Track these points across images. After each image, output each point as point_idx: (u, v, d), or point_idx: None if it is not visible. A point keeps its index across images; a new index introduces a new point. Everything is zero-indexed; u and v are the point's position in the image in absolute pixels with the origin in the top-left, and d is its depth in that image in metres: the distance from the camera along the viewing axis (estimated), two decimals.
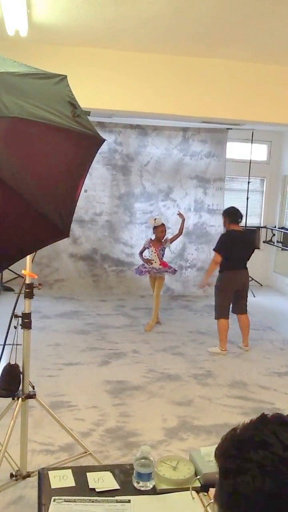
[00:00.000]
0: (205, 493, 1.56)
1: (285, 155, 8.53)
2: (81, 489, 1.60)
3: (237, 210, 5.27)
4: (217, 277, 5.28)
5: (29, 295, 2.50)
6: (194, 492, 1.54)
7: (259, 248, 5.39)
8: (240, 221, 5.25)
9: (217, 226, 7.94)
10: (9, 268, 3.21)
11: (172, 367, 4.74)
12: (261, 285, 8.50)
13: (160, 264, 5.99)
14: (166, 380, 4.43)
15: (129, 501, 1.54)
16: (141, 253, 6.14)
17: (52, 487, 1.61)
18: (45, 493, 1.59)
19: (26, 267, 2.47)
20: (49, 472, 1.69)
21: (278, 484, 0.73)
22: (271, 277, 8.64)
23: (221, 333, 5.20)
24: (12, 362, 2.58)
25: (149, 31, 4.49)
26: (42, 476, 1.68)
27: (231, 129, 7.72)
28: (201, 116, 5.45)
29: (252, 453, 0.76)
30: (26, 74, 1.88)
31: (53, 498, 1.54)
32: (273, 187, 8.73)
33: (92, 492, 1.59)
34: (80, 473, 1.69)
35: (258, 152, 8.48)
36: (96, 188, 7.61)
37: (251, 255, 5.27)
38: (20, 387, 2.56)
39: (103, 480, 1.64)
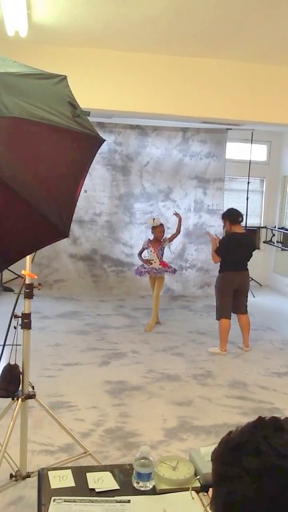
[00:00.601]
0: (205, 493, 1.56)
1: (285, 155, 8.54)
2: (81, 489, 1.60)
3: (236, 210, 5.27)
4: (216, 277, 5.29)
5: (29, 295, 2.50)
6: (194, 492, 1.55)
7: (259, 248, 5.39)
8: (241, 221, 5.25)
9: (217, 226, 7.94)
10: (9, 268, 3.22)
11: (172, 368, 4.74)
12: (261, 285, 8.50)
13: (160, 264, 5.99)
14: (165, 381, 4.43)
15: (128, 501, 1.54)
16: (140, 253, 6.13)
17: (52, 487, 1.61)
18: (45, 493, 1.59)
19: (26, 267, 2.48)
20: (49, 472, 1.69)
21: (268, 492, 0.71)
22: (271, 277, 8.64)
23: (222, 333, 5.21)
24: (12, 362, 2.58)
25: (149, 32, 4.49)
26: (42, 476, 1.68)
27: (230, 129, 7.72)
28: (201, 116, 5.45)
29: (243, 459, 0.74)
30: (26, 74, 1.88)
31: (53, 498, 1.54)
32: (272, 187, 8.73)
33: (92, 492, 1.59)
34: (79, 473, 1.69)
35: (258, 152, 8.49)
36: (96, 189, 7.61)
37: (251, 256, 5.28)
38: (20, 388, 2.56)
39: (102, 480, 1.64)
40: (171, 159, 7.73)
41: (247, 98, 5.32)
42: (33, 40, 4.73)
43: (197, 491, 1.57)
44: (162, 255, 6.07)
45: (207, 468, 1.63)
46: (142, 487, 1.61)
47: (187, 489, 1.56)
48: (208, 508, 1.45)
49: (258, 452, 0.74)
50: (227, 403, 4.03)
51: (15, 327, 2.46)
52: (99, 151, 2.01)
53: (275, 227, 8.62)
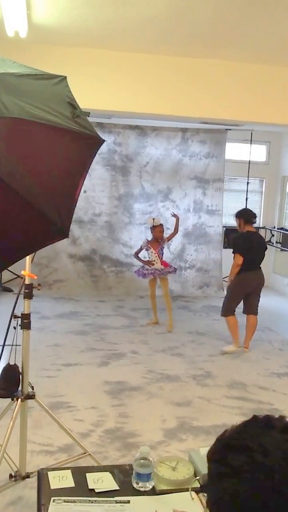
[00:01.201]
0: (205, 494, 1.56)
1: (284, 156, 8.54)
2: (81, 489, 1.60)
3: (251, 210, 5.34)
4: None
5: (29, 296, 2.50)
6: (193, 493, 1.54)
7: (266, 248, 5.43)
8: (255, 222, 5.31)
9: (216, 227, 7.95)
10: (9, 268, 3.21)
11: (171, 368, 4.74)
12: None
13: (161, 264, 6.01)
14: (165, 381, 4.43)
15: (128, 501, 1.54)
16: (137, 253, 6.13)
17: (52, 487, 1.61)
18: (44, 493, 1.59)
19: (25, 267, 2.48)
20: (49, 472, 1.69)
21: (255, 490, 0.71)
22: (270, 277, 8.63)
23: (232, 330, 5.24)
24: (12, 363, 2.58)
25: (148, 32, 4.50)
26: (42, 476, 1.68)
27: (230, 129, 7.72)
28: (200, 116, 5.46)
29: (232, 457, 0.75)
30: (26, 74, 1.88)
31: (52, 498, 1.54)
32: (272, 188, 8.73)
33: (92, 492, 1.59)
34: (79, 473, 1.69)
35: (257, 152, 8.49)
36: (95, 189, 7.62)
37: (264, 255, 5.32)
38: (20, 388, 2.56)
39: (102, 481, 1.64)
40: (170, 160, 7.73)
41: (247, 98, 5.32)
42: (32, 40, 4.73)
43: (197, 491, 1.57)
44: (162, 255, 6.08)
45: (206, 468, 1.63)
46: (141, 487, 1.61)
47: (186, 490, 1.56)
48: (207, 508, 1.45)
49: (246, 450, 0.74)
50: (227, 404, 4.03)
51: (14, 327, 2.46)
52: (98, 152, 2.01)
53: (274, 227, 8.63)
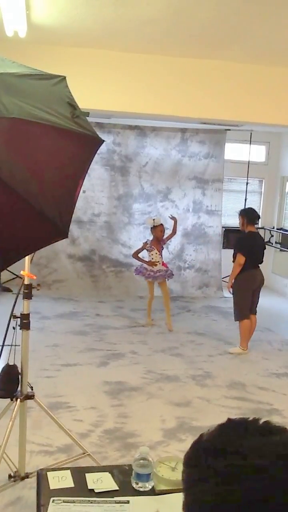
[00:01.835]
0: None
1: (284, 156, 8.55)
2: (80, 489, 1.60)
3: (256, 211, 5.36)
4: (236, 278, 5.23)
5: (28, 296, 2.50)
6: None
7: (265, 248, 5.46)
8: (257, 223, 5.33)
9: (215, 227, 7.95)
10: (8, 268, 3.21)
11: (171, 368, 4.74)
12: None
13: (162, 265, 6.02)
14: (164, 381, 4.43)
15: (128, 501, 1.54)
16: (137, 253, 6.12)
17: (51, 487, 1.61)
18: (44, 493, 1.58)
19: (24, 267, 2.47)
20: (48, 473, 1.69)
21: (234, 495, 0.70)
22: (269, 278, 8.63)
23: (245, 333, 5.24)
24: (11, 363, 2.58)
25: (148, 32, 4.50)
26: (41, 477, 1.68)
27: (229, 130, 7.73)
28: (200, 117, 5.46)
29: (208, 461, 0.74)
30: (25, 74, 1.88)
31: (52, 498, 1.54)
32: (271, 188, 8.74)
33: (91, 492, 1.59)
34: (79, 473, 1.69)
35: (257, 153, 8.49)
36: (94, 189, 7.61)
37: (263, 254, 5.35)
38: (19, 388, 2.56)
39: (102, 481, 1.64)
40: (170, 160, 7.73)
41: (246, 99, 5.33)
42: (32, 40, 4.72)
43: None
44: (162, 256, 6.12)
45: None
46: (141, 487, 1.61)
47: None
48: None
49: (224, 454, 0.74)
50: (226, 404, 4.03)
51: (14, 328, 2.46)
52: (98, 152, 2.01)
53: (273, 228, 8.63)
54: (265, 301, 7.65)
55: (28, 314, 2.50)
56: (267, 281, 8.57)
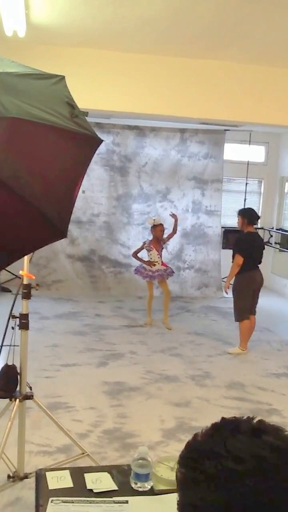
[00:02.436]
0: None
1: (283, 157, 8.55)
2: (79, 490, 1.60)
3: (255, 212, 5.36)
4: (235, 278, 5.23)
5: (27, 296, 2.49)
6: None
7: (264, 248, 5.47)
8: (257, 223, 5.33)
9: (214, 227, 7.95)
10: (7, 268, 3.21)
11: (170, 368, 4.74)
12: None
13: (161, 265, 6.02)
14: (164, 381, 4.43)
15: (126, 501, 1.54)
16: (136, 253, 6.12)
17: (50, 488, 1.60)
18: (42, 494, 1.58)
19: (23, 267, 2.47)
20: (47, 473, 1.69)
21: (224, 496, 0.70)
22: (269, 278, 8.62)
23: (244, 333, 5.24)
24: (10, 363, 2.57)
25: (147, 32, 4.50)
26: (40, 477, 1.67)
27: (228, 130, 7.73)
28: (199, 117, 5.46)
29: (202, 463, 0.73)
30: (24, 74, 1.88)
31: (50, 499, 1.54)
32: (270, 189, 8.74)
33: (90, 493, 1.58)
34: (77, 474, 1.69)
35: (256, 153, 8.49)
36: (94, 189, 7.61)
37: (263, 254, 5.35)
38: (18, 388, 2.56)
39: (101, 481, 1.64)
40: (169, 160, 7.73)
41: (245, 99, 5.33)
42: (31, 40, 4.72)
43: None
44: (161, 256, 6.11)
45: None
46: (140, 487, 1.61)
47: None
48: None
49: (215, 455, 0.73)
50: (225, 404, 4.03)
51: (13, 328, 2.45)
52: (97, 152, 2.01)
53: (273, 228, 8.63)
54: (264, 301, 7.65)
55: (27, 314, 2.50)
56: (267, 281, 8.58)
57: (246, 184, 8.13)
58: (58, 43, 4.88)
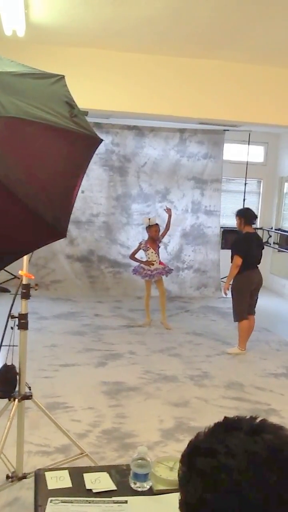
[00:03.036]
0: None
1: (282, 157, 8.55)
2: (78, 490, 1.60)
3: (252, 211, 5.35)
4: (234, 278, 5.21)
5: (26, 296, 2.49)
6: None
7: (263, 248, 5.46)
8: (255, 223, 5.33)
9: (214, 228, 7.95)
10: (6, 269, 3.21)
11: (169, 368, 4.74)
12: None
13: (159, 264, 6.02)
14: (162, 381, 4.42)
15: (126, 501, 1.54)
16: (133, 254, 6.12)
17: (49, 488, 1.60)
18: (41, 494, 1.58)
19: (22, 268, 2.47)
20: (46, 473, 1.68)
21: (221, 494, 0.70)
22: (267, 278, 8.63)
23: (243, 333, 5.24)
24: (9, 363, 2.57)
25: (147, 32, 4.50)
26: (39, 477, 1.67)
27: (228, 130, 7.73)
28: (198, 117, 5.46)
29: (199, 460, 0.74)
30: (23, 74, 1.87)
31: (49, 499, 1.53)
32: (269, 189, 8.74)
33: (89, 492, 1.58)
34: (76, 473, 1.68)
35: (255, 153, 8.50)
36: (93, 189, 7.61)
37: (262, 254, 5.34)
38: (17, 388, 2.55)
39: (99, 481, 1.63)
40: (168, 160, 7.73)
41: (245, 99, 5.33)
42: (30, 39, 4.72)
43: None
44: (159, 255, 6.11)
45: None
46: (139, 487, 1.60)
47: None
48: None
49: (213, 453, 0.73)
50: (224, 404, 4.03)
51: (11, 328, 2.45)
52: (96, 152, 2.01)
53: (272, 228, 8.64)
54: (263, 301, 7.65)
55: (26, 314, 2.50)
56: (265, 281, 8.59)
57: (245, 184, 8.14)
58: (58, 42, 4.88)
